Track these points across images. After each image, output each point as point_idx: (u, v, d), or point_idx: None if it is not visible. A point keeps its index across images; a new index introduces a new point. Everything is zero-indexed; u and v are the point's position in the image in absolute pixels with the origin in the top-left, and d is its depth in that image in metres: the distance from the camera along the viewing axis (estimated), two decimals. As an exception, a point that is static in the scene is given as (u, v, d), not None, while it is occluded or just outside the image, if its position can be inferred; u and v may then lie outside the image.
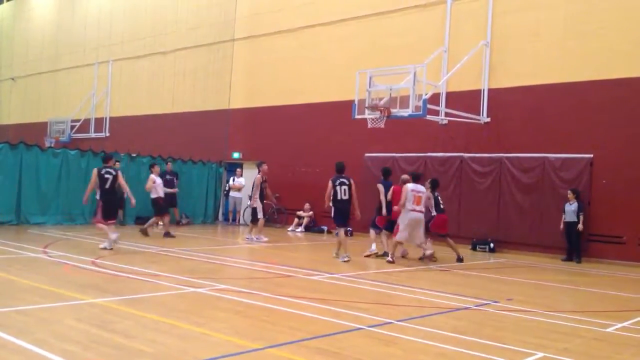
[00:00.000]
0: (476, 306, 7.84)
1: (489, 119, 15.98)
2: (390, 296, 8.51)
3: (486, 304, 8.00)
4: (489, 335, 6.15)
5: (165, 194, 15.72)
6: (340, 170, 12.30)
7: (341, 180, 12.11)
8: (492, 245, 15.31)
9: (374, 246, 12.90)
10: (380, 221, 13.02)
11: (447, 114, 16.16)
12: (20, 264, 9.79)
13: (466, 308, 7.71)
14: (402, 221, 11.96)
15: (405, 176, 13.43)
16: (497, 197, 15.60)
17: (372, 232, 13.22)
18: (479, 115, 15.97)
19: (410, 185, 12.09)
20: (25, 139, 17.46)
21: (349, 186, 12.11)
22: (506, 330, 6.48)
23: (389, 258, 11.92)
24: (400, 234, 11.96)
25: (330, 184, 12.13)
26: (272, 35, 21.31)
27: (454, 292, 8.72)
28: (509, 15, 15.86)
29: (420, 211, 12.04)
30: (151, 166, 15.85)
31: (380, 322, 6.52)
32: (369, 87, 14.54)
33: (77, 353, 4.86)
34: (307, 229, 18.88)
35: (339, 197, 12.07)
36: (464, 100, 16.18)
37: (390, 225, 12.72)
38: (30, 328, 5.56)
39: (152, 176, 15.22)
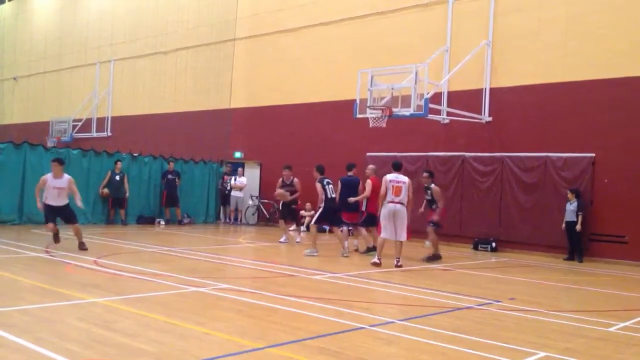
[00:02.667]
0: (478, 305, 7.83)
1: (490, 118, 15.97)
2: (392, 295, 8.51)
3: (488, 303, 8.00)
4: (491, 334, 6.15)
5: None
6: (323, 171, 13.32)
7: (327, 180, 13.05)
8: (493, 244, 15.29)
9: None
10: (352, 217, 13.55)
11: (448, 113, 16.16)
12: (23, 263, 9.81)
13: (468, 307, 7.70)
14: (381, 215, 11.53)
15: (371, 166, 13.84)
16: (499, 197, 15.59)
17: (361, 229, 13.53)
18: (481, 114, 15.95)
19: (389, 176, 11.49)
20: (28, 138, 17.48)
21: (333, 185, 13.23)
22: (508, 330, 6.47)
23: (375, 260, 11.37)
24: (383, 231, 11.41)
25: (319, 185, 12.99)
26: (273, 35, 21.31)
27: (456, 292, 8.71)
28: (510, 14, 15.84)
29: (400, 202, 11.32)
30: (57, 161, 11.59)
31: (382, 322, 6.52)
32: (371, 86, 14.55)
33: (79, 352, 4.86)
34: (309, 228, 18.85)
35: (329, 196, 12.96)
36: (465, 99, 16.17)
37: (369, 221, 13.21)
38: (32, 327, 5.57)
39: (47, 176, 11.52)
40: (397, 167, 11.83)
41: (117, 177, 17.92)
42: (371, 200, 12.93)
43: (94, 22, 29.19)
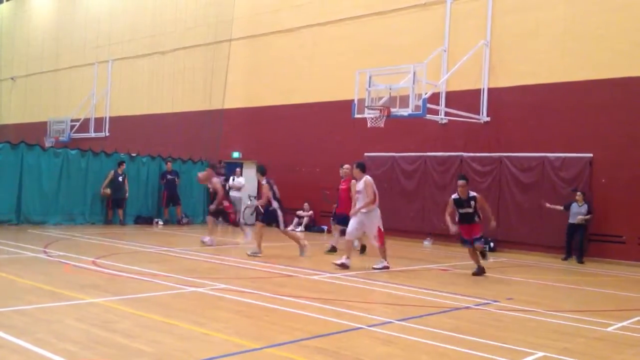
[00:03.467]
0: (476, 306, 7.84)
1: (488, 119, 15.98)
2: (390, 296, 8.51)
3: (487, 303, 8.01)
4: (490, 334, 6.15)
5: None
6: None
7: (272, 180, 12.39)
8: (492, 244, 15.29)
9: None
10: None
11: (446, 114, 16.16)
12: (21, 263, 9.80)
13: (466, 307, 7.71)
14: (379, 219, 10.93)
15: (347, 166, 12.90)
16: (497, 197, 15.59)
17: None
18: (479, 114, 15.97)
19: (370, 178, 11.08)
20: (25, 138, 17.46)
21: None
22: (506, 330, 6.48)
23: (385, 264, 10.85)
24: (382, 237, 10.87)
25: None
26: (271, 35, 21.31)
27: (454, 292, 8.72)
28: (508, 14, 15.86)
29: None
30: None
31: (381, 322, 6.52)
32: (369, 86, 14.55)
33: (78, 353, 4.86)
34: (307, 228, 18.88)
35: (278, 197, 12.31)
36: (463, 99, 16.17)
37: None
38: (31, 328, 5.56)
39: None
40: (365, 168, 11.46)
41: (120, 178, 17.92)
42: (345, 201, 12.55)
43: (91, 22, 29.16)
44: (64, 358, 4.67)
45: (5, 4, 35.81)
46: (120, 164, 18.03)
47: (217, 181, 14.17)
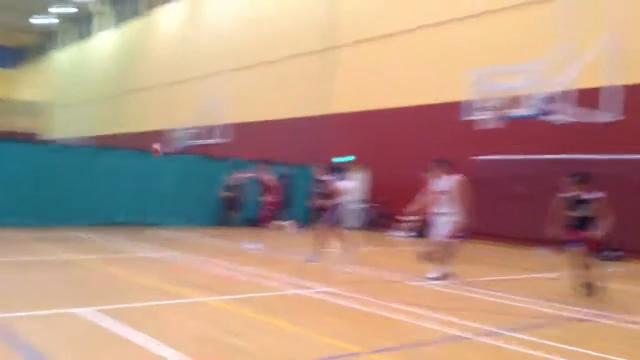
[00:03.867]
0: (587, 317, 7.37)
1: (617, 117, 14.58)
2: (497, 305, 8.16)
3: (599, 315, 7.49)
4: (598, 346, 5.77)
5: None
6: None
7: None
8: (617, 253, 14.13)
9: None
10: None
11: (568, 113, 15.00)
12: (137, 262, 10.44)
13: (578, 319, 7.27)
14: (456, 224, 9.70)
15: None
16: (626, 201, 14.31)
17: None
18: (605, 113, 14.66)
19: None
20: (146, 145, 18.62)
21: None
22: (615, 342, 6.09)
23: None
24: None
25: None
26: (377, 40, 21.42)
27: (565, 302, 8.25)
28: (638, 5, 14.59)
29: None
30: None
31: (486, 332, 6.29)
32: (482, 87, 13.98)
33: (188, 349, 5.07)
34: (414, 233, 18.51)
35: None
36: (587, 98, 14.93)
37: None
38: (144, 323, 5.88)
39: None
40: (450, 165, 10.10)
41: (237, 182, 18.47)
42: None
43: (210, 36, 30.91)
44: (174, 354, 4.90)
45: (134, 20, 38.88)
46: (236, 168, 18.57)
47: (268, 177, 13.98)
